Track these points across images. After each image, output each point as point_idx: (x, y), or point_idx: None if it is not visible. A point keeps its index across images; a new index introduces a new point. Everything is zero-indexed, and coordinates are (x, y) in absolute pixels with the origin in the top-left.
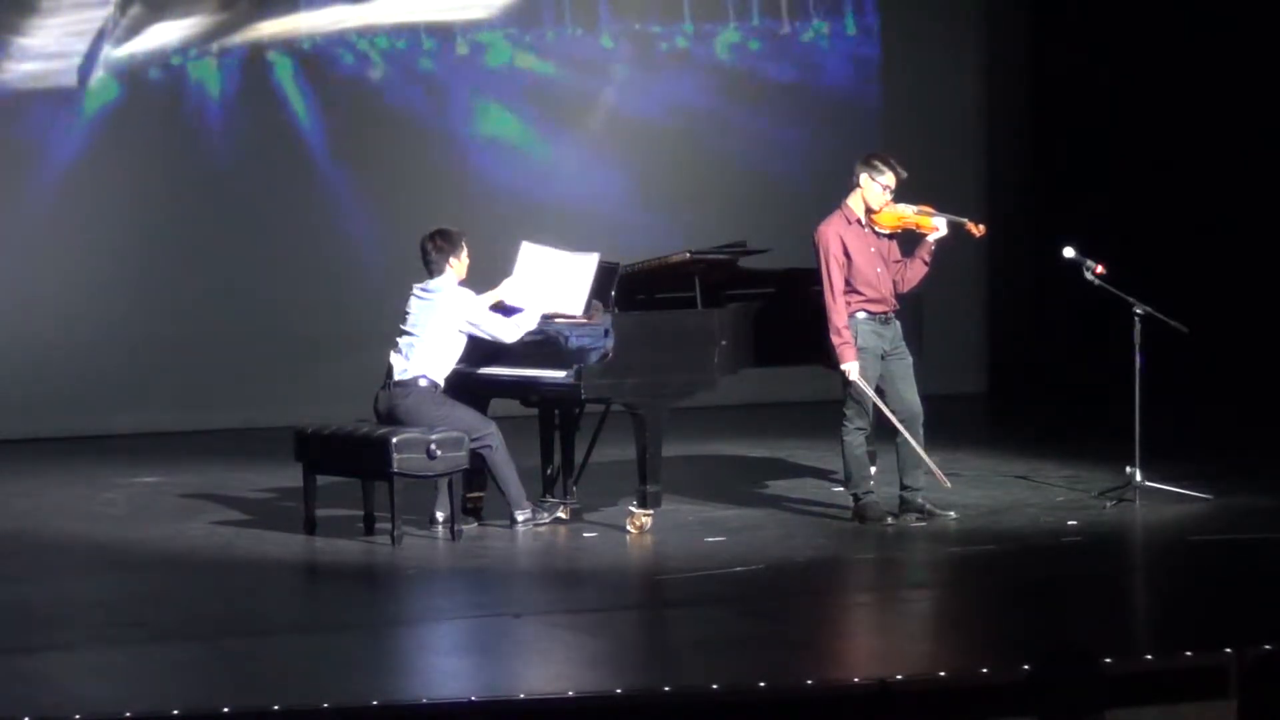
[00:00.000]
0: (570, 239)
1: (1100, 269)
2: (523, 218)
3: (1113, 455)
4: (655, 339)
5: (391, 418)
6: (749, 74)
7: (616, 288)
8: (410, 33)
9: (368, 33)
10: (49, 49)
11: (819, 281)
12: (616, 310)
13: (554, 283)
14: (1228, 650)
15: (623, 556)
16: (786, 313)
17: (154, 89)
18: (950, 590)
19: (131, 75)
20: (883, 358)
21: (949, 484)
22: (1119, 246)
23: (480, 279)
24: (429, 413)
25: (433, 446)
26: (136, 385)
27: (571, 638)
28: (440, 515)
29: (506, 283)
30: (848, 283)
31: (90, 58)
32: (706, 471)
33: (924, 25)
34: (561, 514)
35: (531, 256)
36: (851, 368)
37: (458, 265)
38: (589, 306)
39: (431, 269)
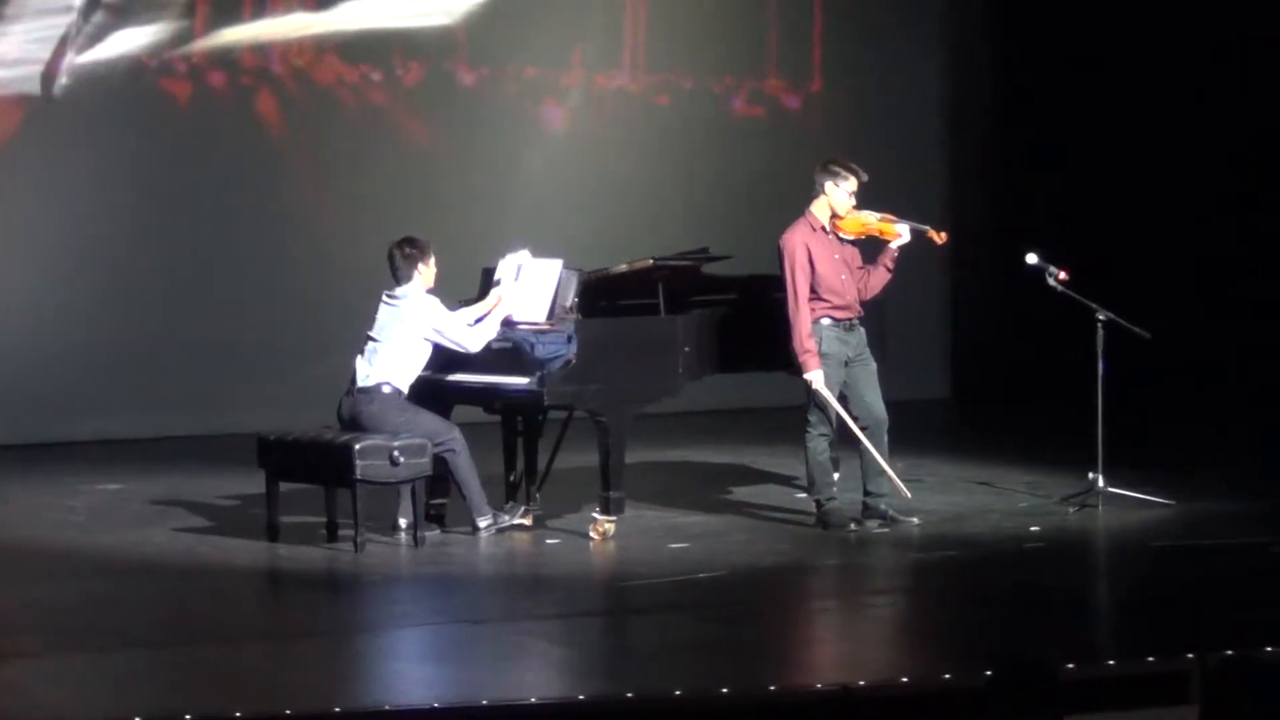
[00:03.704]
0: (534, 246)
1: (1063, 275)
2: (488, 225)
3: (1075, 461)
4: (619, 345)
5: (355, 424)
6: (713, 80)
7: (580, 294)
8: (374, 39)
9: (332, 39)
10: (12, 55)
11: (782, 288)
12: (580, 317)
13: (522, 290)
14: (1190, 655)
15: (586, 563)
16: (750, 319)
17: (118, 95)
18: (913, 596)
19: (96, 82)
20: (847, 364)
21: (909, 494)
22: (1082, 253)
23: (448, 288)
24: (392, 419)
25: (396, 453)
26: (99, 391)
27: (535, 644)
28: (403, 522)
29: (503, 294)
30: (812, 289)
31: (54, 64)
32: (670, 478)
33: (886, 30)
34: (525, 520)
35: (513, 265)
36: (815, 376)
37: (425, 273)
38: (553, 312)
39: (399, 276)
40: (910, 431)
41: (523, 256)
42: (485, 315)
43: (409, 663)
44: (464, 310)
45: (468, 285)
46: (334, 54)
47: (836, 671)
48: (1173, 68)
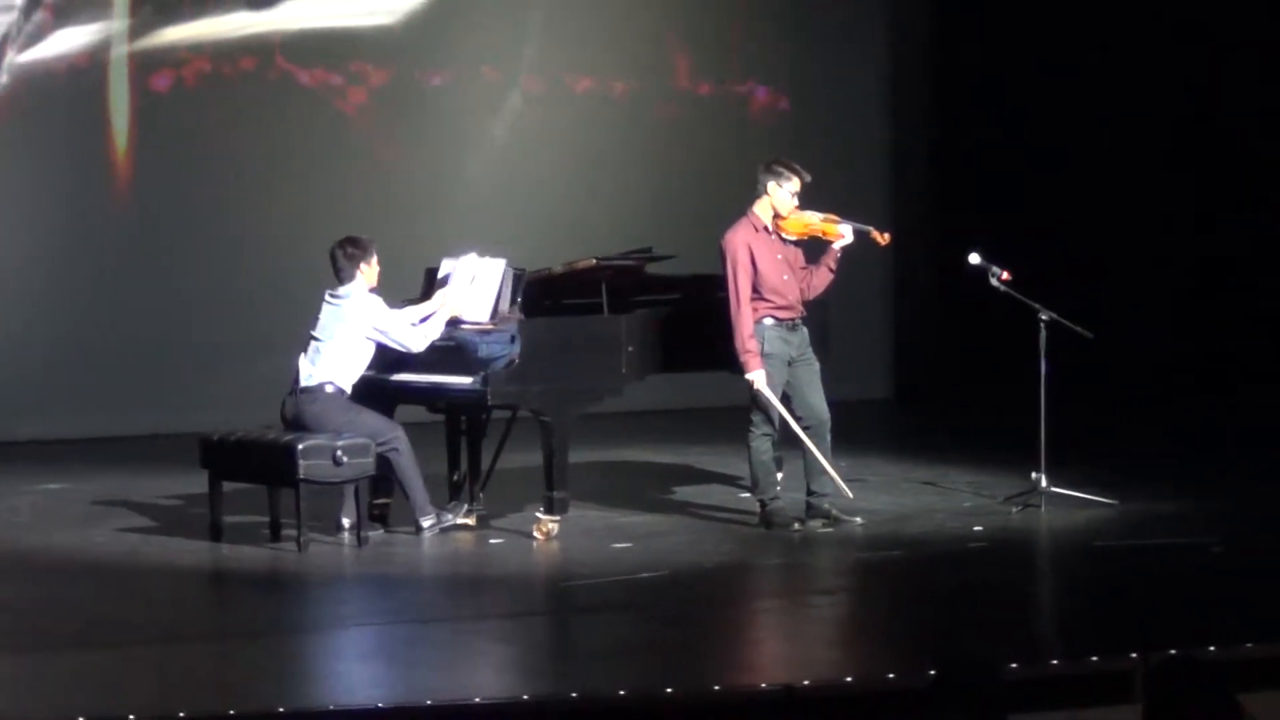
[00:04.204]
0: (478, 246)
1: (1006, 275)
2: (432, 224)
3: (1018, 461)
4: (562, 345)
5: (298, 424)
6: (656, 81)
7: (523, 293)
8: (317, 39)
9: (273, 38)
10: None
11: (725, 288)
12: (523, 316)
13: (467, 290)
14: (1133, 655)
15: (529, 562)
16: (693, 319)
17: (59, 95)
18: (856, 596)
19: (36, 81)
20: (790, 364)
21: (851, 495)
22: (1024, 253)
23: (392, 287)
24: (336, 419)
25: (339, 453)
26: (41, 391)
27: (478, 644)
28: (346, 521)
29: (447, 297)
30: (755, 290)
31: None
32: (613, 477)
33: (829, 32)
34: (468, 520)
35: (462, 270)
36: (757, 376)
37: (368, 272)
38: (496, 312)
39: (341, 276)
40: (853, 432)
41: (470, 259)
42: (430, 316)
43: (353, 663)
44: (408, 309)
45: (411, 285)
46: (276, 53)
47: (780, 671)
48: (1115, 70)
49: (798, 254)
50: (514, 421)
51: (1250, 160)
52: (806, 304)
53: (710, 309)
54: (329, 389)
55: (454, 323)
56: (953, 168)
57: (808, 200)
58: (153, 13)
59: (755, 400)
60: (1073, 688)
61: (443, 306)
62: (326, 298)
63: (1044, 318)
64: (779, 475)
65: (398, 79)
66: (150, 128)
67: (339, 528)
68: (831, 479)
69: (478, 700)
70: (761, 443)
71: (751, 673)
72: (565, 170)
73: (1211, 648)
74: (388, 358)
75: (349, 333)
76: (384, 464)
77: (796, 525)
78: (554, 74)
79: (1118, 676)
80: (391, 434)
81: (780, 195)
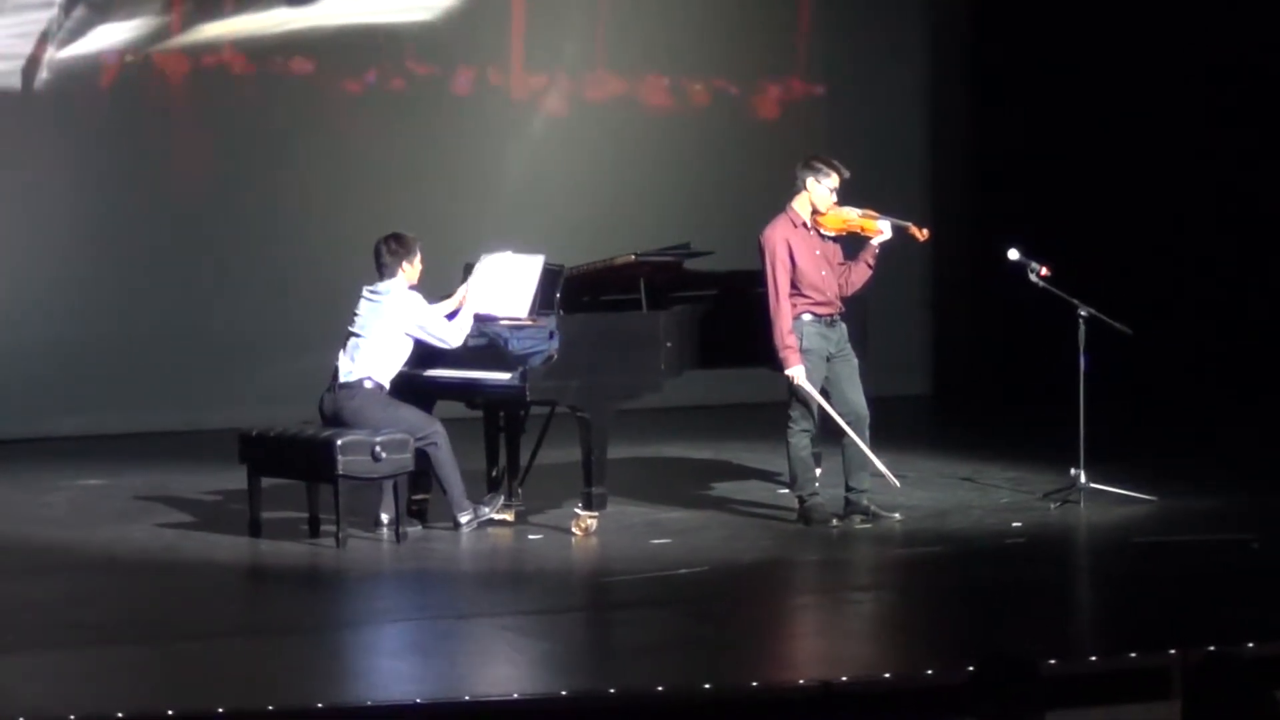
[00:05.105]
0: (516, 241)
1: (1045, 271)
2: (471, 221)
3: (1057, 457)
4: (600, 341)
5: (337, 420)
6: (695, 77)
7: (562, 290)
8: (356, 35)
9: (314, 35)
10: None
11: (763, 284)
12: (562, 312)
13: (502, 285)
14: (1171, 651)
15: (568, 558)
16: (731, 315)
17: (98, 91)
18: (895, 592)
19: (76, 77)
20: (828, 360)
21: (898, 483)
22: (1063, 249)
23: (429, 284)
24: (374, 415)
25: (377, 449)
26: (80, 387)
27: (517, 639)
28: (385, 517)
29: (470, 291)
30: (794, 285)
31: (34, 60)
32: (652, 473)
33: (866, 28)
34: (507, 515)
35: (489, 265)
36: (796, 372)
37: (410, 270)
38: (534, 308)
39: (384, 272)
40: (892, 427)
41: (505, 257)
42: (456, 311)
43: (391, 658)
44: (436, 305)
45: (448, 281)
46: (316, 49)
47: (818, 667)
48: (1151, 67)
49: (836, 250)
50: (552, 417)
51: None
52: (845, 300)
53: (748, 305)
54: (368, 384)
55: (491, 318)
56: (992, 163)
57: (846, 196)
58: (191, 8)
59: (794, 396)
60: (1111, 685)
61: (465, 302)
62: (365, 293)
63: (1083, 313)
64: (817, 471)
65: (439, 76)
66: (188, 123)
67: (377, 523)
68: (876, 470)
69: (515, 696)
70: (800, 439)
71: (789, 669)
72: (603, 167)
73: (1250, 644)
74: (426, 353)
75: (387, 328)
76: (422, 459)
77: (835, 521)
78: (592, 71)
79: (1156, 673)
80: (430, 429)
81: (819, 191)
